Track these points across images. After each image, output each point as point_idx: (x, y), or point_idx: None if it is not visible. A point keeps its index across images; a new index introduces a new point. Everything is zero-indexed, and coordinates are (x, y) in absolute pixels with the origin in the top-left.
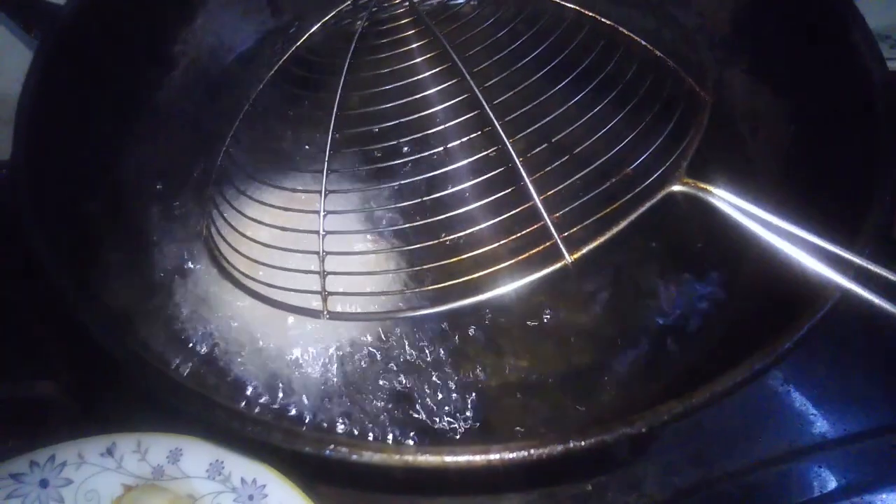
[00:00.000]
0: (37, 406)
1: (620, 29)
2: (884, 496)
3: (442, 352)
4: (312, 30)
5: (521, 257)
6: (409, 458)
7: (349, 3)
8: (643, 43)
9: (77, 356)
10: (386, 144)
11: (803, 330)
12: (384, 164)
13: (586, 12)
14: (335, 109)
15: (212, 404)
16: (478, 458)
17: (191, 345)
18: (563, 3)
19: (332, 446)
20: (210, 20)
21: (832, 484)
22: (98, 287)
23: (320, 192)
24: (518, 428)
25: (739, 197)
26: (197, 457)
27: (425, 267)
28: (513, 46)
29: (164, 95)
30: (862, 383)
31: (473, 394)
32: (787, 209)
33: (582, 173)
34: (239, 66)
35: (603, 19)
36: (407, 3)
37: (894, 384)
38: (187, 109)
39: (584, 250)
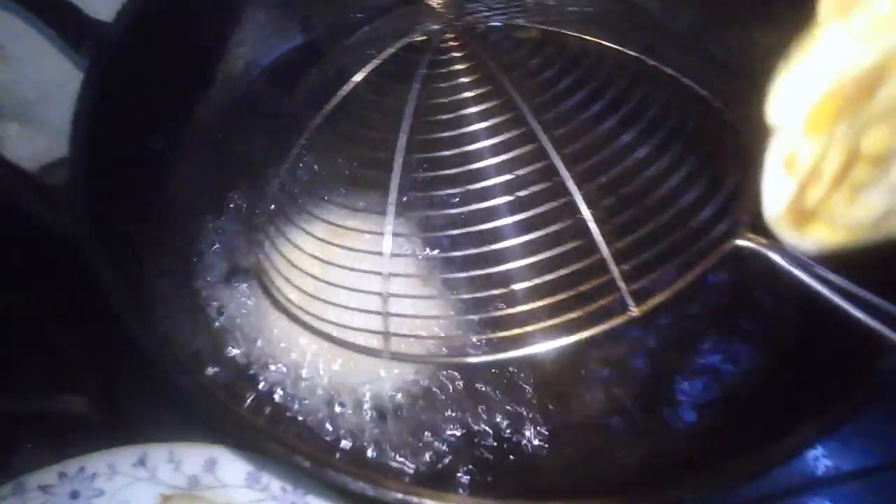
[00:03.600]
0: (66, 421)
1: (682, 80)
2: None
3: (499, 398)
4: (369, 69)
5: (588, 309)
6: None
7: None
8: (703, 93)
9: (106, 370)
10: (453, 191)
11: (860, 398)
12: (451, 211)
13: (648, 60)
14: (402, 154)
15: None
16: None
17: (247, 378)
18: (624, 49)
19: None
20: (245, 37)
21: None
22: (154, 316)
23: (385, 233)
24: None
25: (800, 253)
26: (233, 466)
27: (491, 314)
28: (578, 96)
29: (204, 113)
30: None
31: (522, 440)
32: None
33: (650, 227)
34: (266, 81)
35: (665, 68)
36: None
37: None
38: (226, 128)
39: (651, 303)
